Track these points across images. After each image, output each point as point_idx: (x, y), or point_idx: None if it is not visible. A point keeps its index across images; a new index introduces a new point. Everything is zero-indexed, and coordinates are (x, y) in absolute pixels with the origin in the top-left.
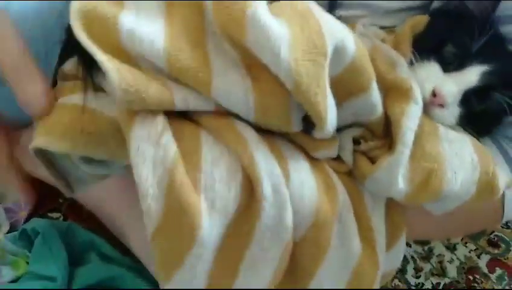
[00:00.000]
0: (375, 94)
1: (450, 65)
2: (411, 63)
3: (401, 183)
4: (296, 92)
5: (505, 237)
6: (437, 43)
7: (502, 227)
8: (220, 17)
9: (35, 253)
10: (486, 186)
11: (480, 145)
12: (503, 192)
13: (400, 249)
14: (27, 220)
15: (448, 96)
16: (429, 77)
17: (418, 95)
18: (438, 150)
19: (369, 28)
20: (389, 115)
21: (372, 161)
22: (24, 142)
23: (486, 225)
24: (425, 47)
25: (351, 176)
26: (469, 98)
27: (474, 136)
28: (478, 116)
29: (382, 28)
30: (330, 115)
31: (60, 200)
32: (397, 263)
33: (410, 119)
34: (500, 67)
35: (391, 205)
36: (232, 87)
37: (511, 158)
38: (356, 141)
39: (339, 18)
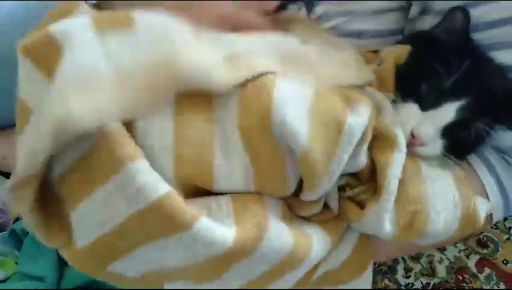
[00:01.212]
0: (365, 150)
1: (427, 103)
2: (394, 102)
3: (387, 227)
4: (302, 163)
5: (494, 238)
6: (415, 81)
7: (491, 227)
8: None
9: (25, 253)
10: (468, 220)
11: (462, 178)
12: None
13: (368, 276)
14: (16, 220)
15: (425, 137)
16: (408, 118)
17: (402, 142)
18: (421, 192)
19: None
20: (375, 162)
21: (359, 204)
22: (14, 142)
23: (469, 233)
24: (405, 85)
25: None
26: (450, 131)
27: (457, 161)
28: (460, 144)
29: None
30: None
31: None
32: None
33: (395, 167)
34: (477, 99)
35: (361, 237)
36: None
37: (497, 174)
38: (341, 188)
39: (319, 17)
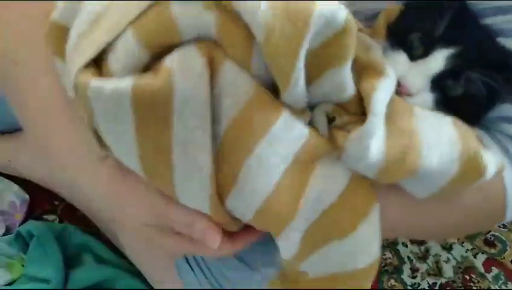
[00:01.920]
0: (347, 73)
1: (416, 53)
2: (384, 50)
3: (373, 158)
4: (265, 44)
5: (501, 237)
6: (405, 32)
7: (499, 227)
8: None
9: (31, 256)
10: (470, 164)
11: (463, 124)
12: (505, 191)
13: (374, 224)
14: (22, 222)
15: (411, 85)
16: (395, 67)
17: (391, 72)
18: (412, 126)
19: None
20: (361, 91)
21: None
22: (19, 146)
23: (485, 225)
24: (395, 37)
25: None
26: (442, 83)
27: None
28: (462, 102)
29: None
30: (295, 81)
31: (55, 203)
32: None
33: (381, 91)
34: (468, 47)
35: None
36: None
37: (510, 154)
38: (332, 120)
39: None
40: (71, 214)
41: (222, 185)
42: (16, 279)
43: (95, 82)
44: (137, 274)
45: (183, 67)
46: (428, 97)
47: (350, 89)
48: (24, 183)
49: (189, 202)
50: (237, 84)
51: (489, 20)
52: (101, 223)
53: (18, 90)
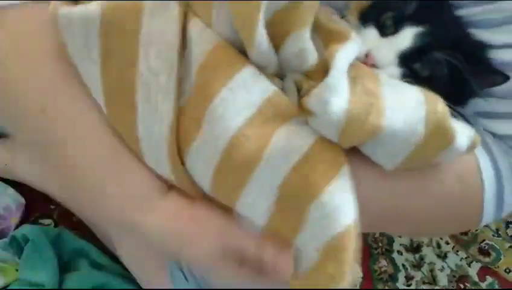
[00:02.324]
0: (307, 38)
1: (386, 29)
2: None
3: (334, 113)
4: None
5: (496, 246)
6: (377, 12)
7: (493, 235)
8: None
9: (25, 260)
10: (436, 126)
11: (428, 92)
12: (483, 185)
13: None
14: (18, 226)
15: (378, 57)
16: (365, 41)
17: (356, 36)
18: (377, 89)
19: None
20: (326, 56)
21: None
22: (15, 149)
23: (462, 225)
24: (368, 16)
25: None
26: (408, 60)
27: None
28: (427, 80)
29: None
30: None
31: (51, 207)
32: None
33: (344, 50)
34: (436, 28)
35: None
36: None
37: (490, 150)
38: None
39: None
40: (67, 218)
41: (184, 138)
42: (10, 283)
43: (63, 10)
44: (132, 280)
45: (159, 7)
46: (395, 71)
47: (312, 56)
48: (20, 186)
49: (150, 154)
50: (204, 35)
51: (463, 11)
52: (97, 228)
53: (52, 141)
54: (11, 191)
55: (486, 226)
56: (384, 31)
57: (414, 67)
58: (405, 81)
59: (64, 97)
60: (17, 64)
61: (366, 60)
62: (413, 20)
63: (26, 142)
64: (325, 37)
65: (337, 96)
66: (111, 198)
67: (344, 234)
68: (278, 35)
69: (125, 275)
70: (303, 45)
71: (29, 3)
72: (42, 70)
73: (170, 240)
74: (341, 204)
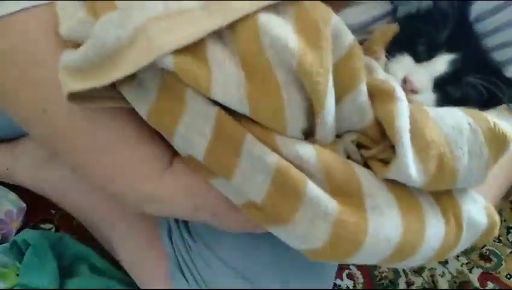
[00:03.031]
0: (364, 94)
1: (420, 56)
2: (385, 63)
3: (417, 179)
4: (299, 70)
5: (497, 251)
6: (409, 41)
7: (494, 241)
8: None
9: (26, 265)
10: (496, 140)
11: (469, 109)
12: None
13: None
14: (19, 231)
15: (417, 82)
16: (401, 67)
17: (400, 92)
18: (438, 133)
19: None
20: (379, 118)
21: (383, 161)
22: (17, 153)
23: None
24: (398, 47)
25: None
26: (442, 85)
27: None
28: (461, 104)
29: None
30: (329, 101)
31: (52, 211)
32: None
33: (401, 118)
34: (468, 54)
35: None
36: (228, 78)
37: None
38: (358, 146)
39: None
40: (68, 223)
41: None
42: (11, 288)
43: None
44: (133, 285)
45: None
46: (431, 96)
47: (369, 114)
48: (21, 191)
49: None
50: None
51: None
52: (97, 233)
53: (59, 134)
54: (12, 195)
55: None
56: (418, 57)
57: (448, 91)
58: (439, 105)
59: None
60: (15, 68)
61: (405, 86)
62: (446, 47)
63: (38, 137)
64: (368, 93)
65: (412, 168)
66: (120, 179)
67: None
68: (336, 91)
69: (125, 280)
70: (361, 101)
71: (31, 3)
72: (38, 71)
73: (184, 195)
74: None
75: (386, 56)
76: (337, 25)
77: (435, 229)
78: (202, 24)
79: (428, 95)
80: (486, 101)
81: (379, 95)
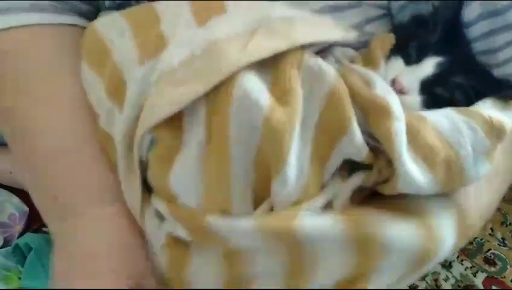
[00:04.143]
0: (358, 131)
1: (411, 58)
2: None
3: (428, 187)
4: (265, 126)
5: (502, 255)
6: (402, 44)
7: (499, 245)
8: None
9: (28, 268)
10: (494, 131)
11: (459, 108)
12: None
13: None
14: (21, 234)
15: (405, 82)
16: (392, 69)
17: (398, 109)
18: (439, 137)
19: (338, 50)
20: (376, 135)
21: (386, 180)
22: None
23: None
24: (392, 50)
25: None
26: (430, 87)
27: None
28: (438, 103)
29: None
30: (292, 159)
31: None
32: None
33: (398, 137)
34: (456, 57)
35: None
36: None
37: None
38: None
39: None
40: None
41: None
42: None
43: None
44: None
45: None
46: (417, 98)
47: (365, 150)
48: (24, 195)
49: None
50: None
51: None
52: None
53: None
54: (15, 199)
55: (492, 235)
56: (408, 59)
57: (436, 92)
58: (426, 107)
59: (28, 97)
60: None
61: (394, 86)
62: (435, 49)
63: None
64: (364, 108)
65: (420, 180)
66: (65, 189)
67: None
68: (324, 145)
69: None
70: (359, 135)
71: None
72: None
73: (111, 247)
74: None
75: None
76: (313, 66)
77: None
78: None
79: (414, 97)
80: (472, 101)
81: (375, 111)
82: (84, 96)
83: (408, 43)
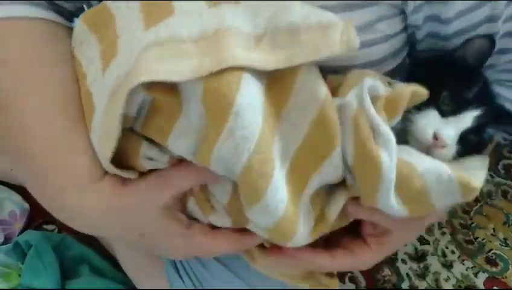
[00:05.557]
0: (339, 156)
1: (447, 111)
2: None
3: (397, 212)
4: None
5: (504, 255)
6: (433, 93)
7: (501, 245)
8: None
9: (28, 266)
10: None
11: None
12: None
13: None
14: (22, 232)
15: (447, 139)
16: (430, 122)
17: (388, 171)
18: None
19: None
20: (361, 192)
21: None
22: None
23: None
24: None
25: None
26: (466, 138)
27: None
28: (469, 150)
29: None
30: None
31: None
32: None
33: (382, 192)
34: (490, 109)
35: None
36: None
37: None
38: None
39: None
40: None
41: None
42: (13, 289)
43: None
44: (133, 287)
45: None
46: (454, 149)
47: (341, 172)
48: (24, 192)
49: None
50: None
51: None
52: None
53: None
54: (16, 197)
55: (494, 235)
56: (444, 111)
57: (470, 142)
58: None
59: (15, 88)
60: None
61: (436, 143)
62: (472, 103)
63: None
64: (358, 155)
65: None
66: (53, 180)
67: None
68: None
69: (126, 281)
70: (339, 159)
71: None
72: None
73: (108, 215)
74: None
75: (409, 110)
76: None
77: None
78: (192, 61)
79: (451, 148)
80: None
81: (366, 163)
82: (68, 86)
83: (438, 93)
